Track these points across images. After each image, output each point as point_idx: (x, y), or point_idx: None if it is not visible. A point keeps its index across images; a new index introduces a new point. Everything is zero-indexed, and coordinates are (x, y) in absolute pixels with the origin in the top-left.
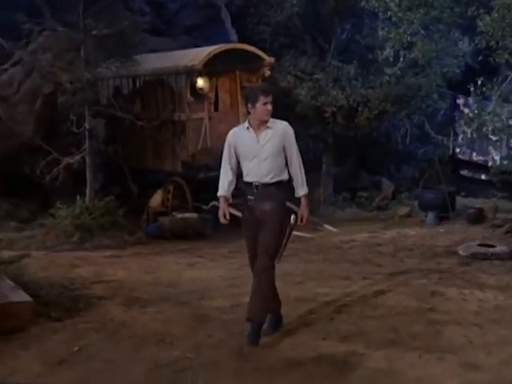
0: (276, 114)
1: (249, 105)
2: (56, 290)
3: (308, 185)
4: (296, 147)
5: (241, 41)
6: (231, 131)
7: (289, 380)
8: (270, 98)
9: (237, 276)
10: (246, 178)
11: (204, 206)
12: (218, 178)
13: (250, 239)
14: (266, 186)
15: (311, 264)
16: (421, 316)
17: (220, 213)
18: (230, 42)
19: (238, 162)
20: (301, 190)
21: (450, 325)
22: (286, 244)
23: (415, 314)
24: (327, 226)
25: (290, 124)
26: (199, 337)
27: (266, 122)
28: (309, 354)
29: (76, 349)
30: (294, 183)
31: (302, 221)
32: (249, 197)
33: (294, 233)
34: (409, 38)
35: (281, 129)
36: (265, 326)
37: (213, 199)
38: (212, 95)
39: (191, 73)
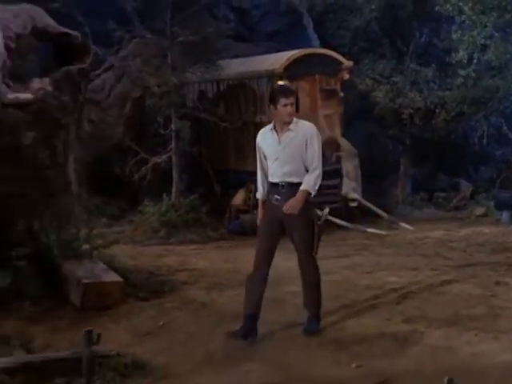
0: (355, 116)
1: (271, 106)
2: (143, 275)
3: (386, 185)
4: (316, 149)
5: (321, 46)
6: (260, 131)
7: (352, 352)
8: (290, 100)
9: None
10: (272, 179)
11: None
12: None
13: (262, 239)
14: (290, 186)
15: (383, 257)
16: (482, 302)
17: (258, 220)
18: (311, 47)
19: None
20: (304, 185)
21: (510, 310)
22: (318, 242)
23: (477, 300)
24: (403, 224)
25: (368, 125)
26: (273, 316)
27: (289, 123)
28: (372, 331)
29: (161, 323)
30: (305, 179)
31: (286, 208)
32: (275, 196)
33: (370, 230)
34: (482, 41)
35: (303, 131)
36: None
37: None
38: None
39: (272, 76)
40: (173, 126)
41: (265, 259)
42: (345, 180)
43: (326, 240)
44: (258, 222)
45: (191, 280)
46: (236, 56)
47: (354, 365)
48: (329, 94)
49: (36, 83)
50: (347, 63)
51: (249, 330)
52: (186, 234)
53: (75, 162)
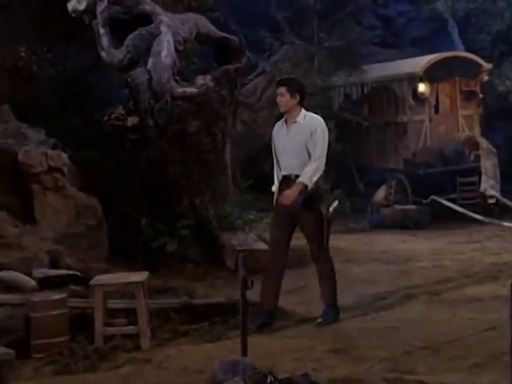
0: (495, 117)
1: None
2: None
3: None
4: (321, 143)
5: (464, 50)
6: (275, 125)
7: (467, 308)
8: (279, 90)
9: (442, 248)
10: (283, 171)
11: (424, 201)
12: (436, 174)
13: (274, 231)
14: (299, 178)
15: None
16: None
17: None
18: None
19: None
20: (301, 177)
21: None
22: (327, 234)
23: None
24: None
25: (508, 126)
26: (400, 282)
27: (293, 114)
28: (487, 294)
29: (302, 284)
30: (303, 171)
31: (280, 197)
32: (286, 189)
33: (507, 224)
34: None
35: (310, 124)
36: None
37: (431, 194)
38: (433, 99)
39: (413, 79)
40: None
41: (278, 252)
42: (483, 178)
43: (461, 228)
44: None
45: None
46: (381, 62)
47: (467, 317)
48: (468, 96)
49: (200, 80)
50: (486, 66)
51: (265, 323)
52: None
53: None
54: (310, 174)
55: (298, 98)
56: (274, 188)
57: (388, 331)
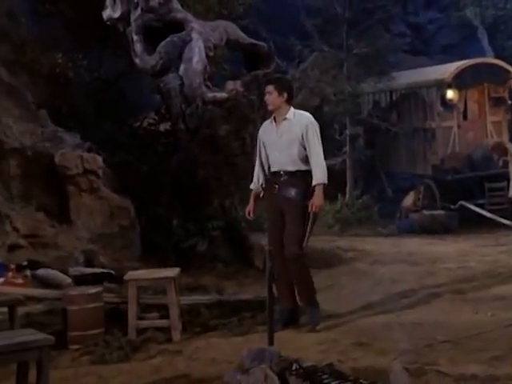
0: None
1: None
2: (317, 251)
3: None
4: (314, 137)
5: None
6: (263, 124)
7: (489, 306)
8: (267, 89)
9: (469, 251)
10: (272, 168)
11: (452, 206)
12: (465, 180)
13: (271, 230)
14: (288, 174)
15: None
16: None
17: (247, 208)
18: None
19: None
20: (315, 180)
21: None
22: (310, 231)
23: None
24: None
25: None
26: (425, 281)
27: (282, 112)
28: (511, 293)
29: (329, 283)
30: (312, 172)
31: (312, 208)
32: (274, 185)
33: None
34: None
35: (300, 121)
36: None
37: (460, 199)
38: (461, 105)
39: (441, 85)
40: (347, 132)
41: (277, 249)
42: None
43: (489, 233)
44: (247, 212)
45: (357, 257)
46: (411, 69)
47: (489, 314)
48: (497, 102)
49: (230, 85)
50: None
51: (289, 321)
52: (357, 229)
53: None
54: (322, 172)
55: (285, 96)
56: (253, 186)
57: (411, 327)
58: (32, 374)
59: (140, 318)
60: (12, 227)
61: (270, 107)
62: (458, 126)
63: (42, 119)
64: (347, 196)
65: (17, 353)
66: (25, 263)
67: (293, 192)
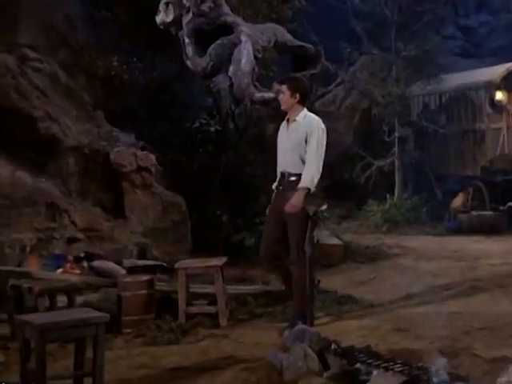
0: None
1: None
2: (362, 247)
3: None
4: (317, 144)
5: None
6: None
7: None
8: (281, 87)
9: None
10: (279, 168)
11: (501, 207)
12: None
13: (267, 230)
14: (291, 176)
15: None
16: None
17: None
18: None
19: None
20: (301, 182)
21: None
22: (310, 235)
23: None
24: None
25: None
26: (468, 275)
27: (293, 113)
28: None
29: (372, 276)
30: (302, 176)
31: (286, 207)
32: (279, 186)
33: None
34: None
35: (307, 123)
36: None
37: (509, 200)
38: (510, 107)
39: (490, 87)
40: (396, 133)
41: (268, 248)
42: None
43: None
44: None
45: (401, 252)
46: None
47: None
48: None
49: (276, 85)
50: None
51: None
52: (405, 229)
53: None
54: (310, 177)
55: (298, 97)
56: (275, 186)
57: (450, 315)
58: (88, 353)
59: (189, 305)
60: (70, 221)
61: (282, 107)
62: (507, 128)
63: (99, 119)
64: (396, 197)
65: (75, 328)
66: (82, 255)
67: (293, 195)
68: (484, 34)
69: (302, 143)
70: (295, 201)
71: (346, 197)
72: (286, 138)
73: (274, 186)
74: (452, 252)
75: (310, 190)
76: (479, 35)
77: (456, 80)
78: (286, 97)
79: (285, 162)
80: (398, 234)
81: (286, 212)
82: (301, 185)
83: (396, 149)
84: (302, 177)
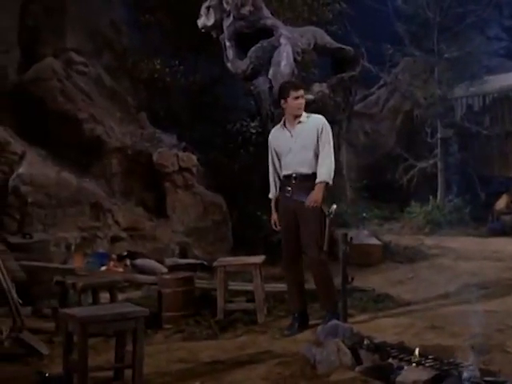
0: None
1: (282, 101)
2: (401, 247)
3: None
4: (328, 142)
5: None
6: (271, 131)
7: None
8: (300, 92)
9: None
10: (285, 171)
11: None
12: None
13: (285, 234)
14: (302, 177)
15: None
16: None
17: (272, 219)
18: None
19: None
20: (318, 177)
21: None
22: (327, 234)
23: None
24: None
25: None
26: (505, 275)
27: (299, 116)
28: None
29: (410, 276)
30: (318, 172)
31: (308, 203)
32: (287, 188)
33: None
34: None
35: (315, 123)
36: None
37: None
38: None
39: None
40: (439, 135)
41: (291, 254)
42: None
43: None
44: (272, 223)
45: (442, 253)
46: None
47: None
48: None
49: (316, 87)
50: None
51: (299, 326)
52: (447, 231)
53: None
54: (327, 170)
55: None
56: (271, 195)
57: (486, 314)
58: (129, 347)
59: (228, 302)
60: (114, 221)
61: (299, 112)
62: None
63: (142, 121)
64: (438, 198)
65: (115, 322)
66: (125, 253)
67: (307, 196)
68: None
69: (314, 141)
70: (316, 195)
71: (389, 198)
72: (293, 142)
73: (271, 196)
74: (492, 252)
75: (328, 183)
76: None
77: (500, 81)
78: (303, 101)
79: (294, 164)
80: (439, 235)
81: (300, 212)
82: (320, 179)
83: (439, 150)
84: (319, 171)
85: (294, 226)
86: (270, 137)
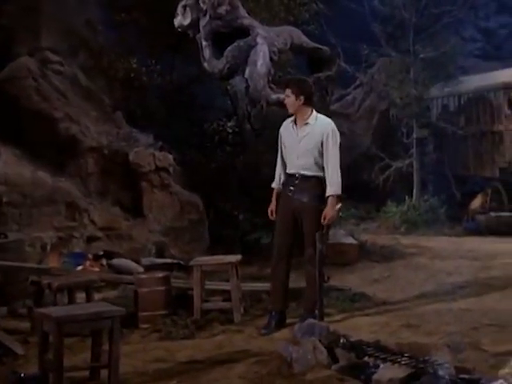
0: None
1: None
2: (377, 246)
3: None
4: (334, 146)
5: None
6: (284, 123)
7: None
8: (285, 92)
9: None
10: (288, 170)
11: None
12: None
13: (279, 228)
14: (305, 178)
15: None
16: None
17: (269, 208)
18: None
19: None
20: (329, 190)
21: None
22: (325, 234)
23: None
24: None
25: None
26: (481, 274)
27: (299, 116)
28: None
29: (386, 275)
30: (326, 182)
31: (324, 219)
32: (290, 187)
33: None
34: None
35: (321, 126)
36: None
37: None
38: None
39: (508, 88)
40: (414, 135)
41: (282, 252)
42: None
43: None
44: (269, 212)
45: (418, 252)
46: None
47: None
48: None
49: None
50: None
51: (278, 323)
52: (423, 230)
53: None
54: (337, 181)
55: (302, 99)
56: (274, 184)
57: (461, 312)
58: (105, 347)
59: (205, 301)
60: (90, 220)
61: (289, 110)
62: None
63: (118, 120)
64: (414, 198)
65: (91, 321)
66: (101, 253)
67: (308, 196)
68: (504, 36)
69: (318, 146)
70: (331, 211)
71: (365, 198)
72: (297, 142)
73: (274, 185)
74: (467, 252)
75: (338, 196)
76: (499, 37)
77: (475, 82)
78: (291, 100)
79: (297, 165)
80: (415, 234)
81: (301, 212)
82: (331, 192)
83: (414, 150)
84: (330, 183)
85: (290, 224)
86: (281, 128)
